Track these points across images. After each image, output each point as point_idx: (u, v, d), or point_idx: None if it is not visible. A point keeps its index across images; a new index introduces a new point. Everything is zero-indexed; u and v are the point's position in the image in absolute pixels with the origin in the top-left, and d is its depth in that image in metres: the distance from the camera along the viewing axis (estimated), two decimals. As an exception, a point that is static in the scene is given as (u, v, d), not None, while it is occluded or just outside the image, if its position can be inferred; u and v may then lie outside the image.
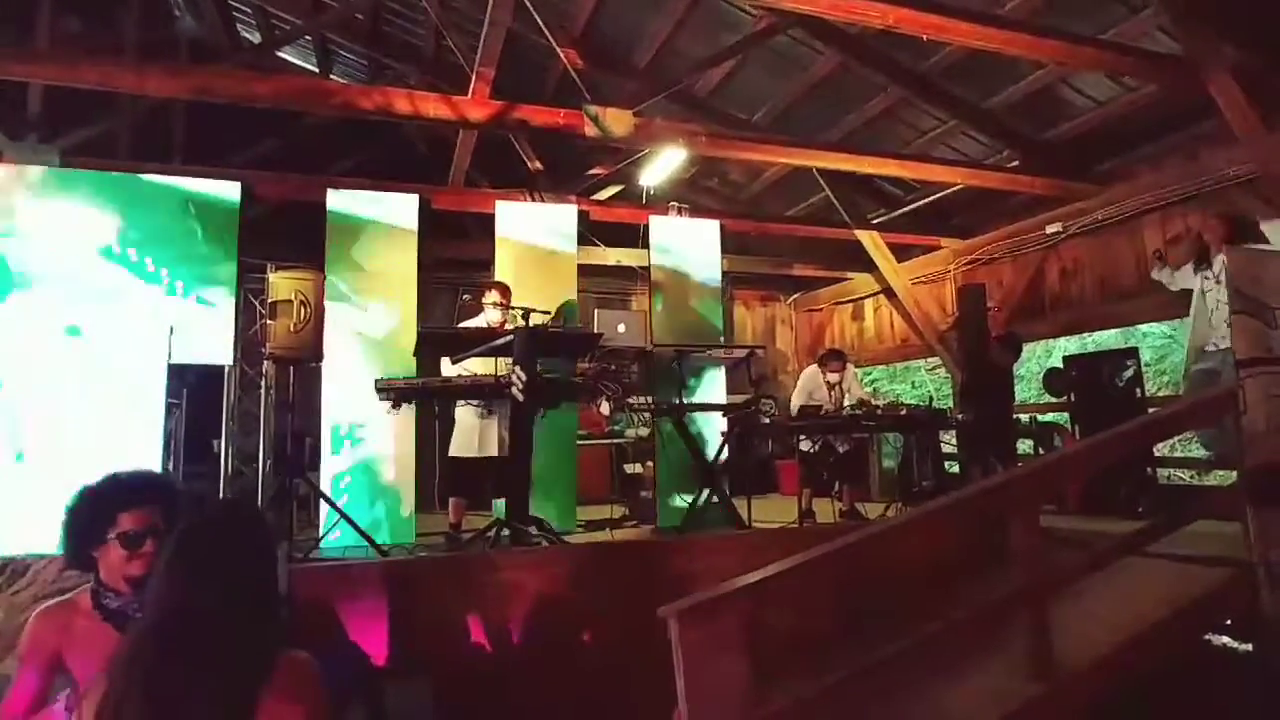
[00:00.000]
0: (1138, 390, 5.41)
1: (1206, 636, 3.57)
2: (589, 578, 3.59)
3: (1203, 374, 4.60)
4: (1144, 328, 6.54)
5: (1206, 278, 4.71)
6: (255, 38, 8.01)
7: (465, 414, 4.65)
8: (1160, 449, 5.79)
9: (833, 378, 5.69)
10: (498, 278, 5.30)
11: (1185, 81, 4.55)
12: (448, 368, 4.49)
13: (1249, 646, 3.48)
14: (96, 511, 1.82)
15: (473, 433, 4.62)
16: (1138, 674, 3.00)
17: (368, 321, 5.14)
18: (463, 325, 4.97)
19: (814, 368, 5.86)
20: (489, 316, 4.68)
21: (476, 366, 4.36)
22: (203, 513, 1.66)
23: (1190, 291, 4.88)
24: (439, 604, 3.35)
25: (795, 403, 5.72)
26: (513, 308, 4.21)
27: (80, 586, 1.86)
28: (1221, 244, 4.66)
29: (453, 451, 4.72)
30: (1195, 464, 6.47)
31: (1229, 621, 3.53)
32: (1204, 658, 3.53)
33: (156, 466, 4.15)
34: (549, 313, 3.93)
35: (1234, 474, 3.57)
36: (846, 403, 5.62)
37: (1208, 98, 4.42)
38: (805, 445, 5.63)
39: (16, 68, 4.24)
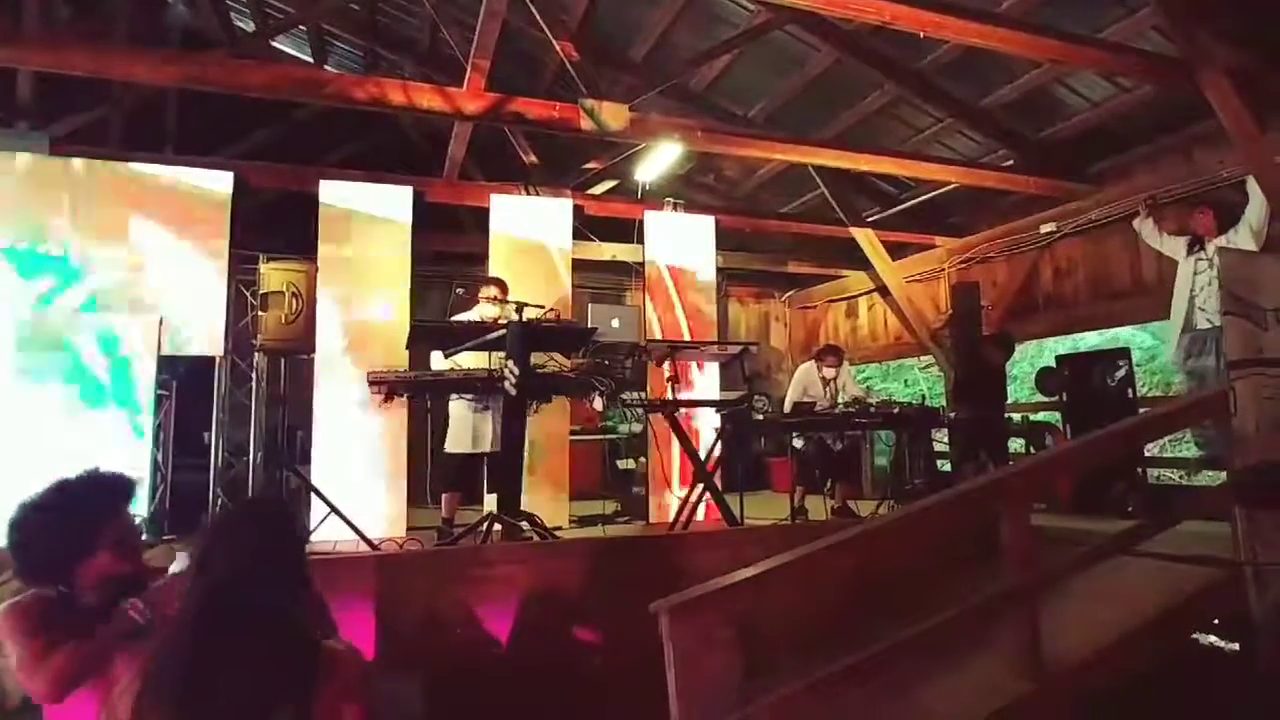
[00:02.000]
0: (1129, 390, 5.44)
1: (1195, 636, 3.59)
2: (581, 573, 3.58)
3: (1201, 368, 4.64)
4: (1137, 328, 6.57)
5: (1200, 259, 4.77)
6: (249, 27, 7.94)
7: (460, 408, 4.63)
8: (1151, 449, 5.83)
9: (828, 373, 5.69)
10: (491, 271, 5.28)
11: (1180, 82, 4.56)
12: (438, 362, 4.46)
13: (1236, 646, 3.51)
14: (87, 519, 1.76)
15: (467, 427, 4.60)
16: (1126, 672, 3.01)
17: (360, 314, 5.11)
18: (456, 319, 4.95)
19: (810, 363, 5.85)
20: (484, 311, 4.65)
21: (467, 361, 4.34)
22: (234, 505, 1.73)
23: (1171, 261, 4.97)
24: (429, 598, 3.34)
25: (790, 398, 5.71)
26: (508, 302, 4.20)
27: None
28: (1210, 234, 4.72)
29: (448, 447, 4.70)
30: (1185, 464, 6.51)
31: (1217, 621, 3.55)
32: (1192, 657, 3.56)
33: (146, 459, 4.13)
34: (543, 307, 3.91)
35: (1223, 474, 3.59)
36: (841, 400, 5.63)
37: (1202, 99, 4.43)
38: (799, 442, 5.64)
39: (4, 53, 4.18)
